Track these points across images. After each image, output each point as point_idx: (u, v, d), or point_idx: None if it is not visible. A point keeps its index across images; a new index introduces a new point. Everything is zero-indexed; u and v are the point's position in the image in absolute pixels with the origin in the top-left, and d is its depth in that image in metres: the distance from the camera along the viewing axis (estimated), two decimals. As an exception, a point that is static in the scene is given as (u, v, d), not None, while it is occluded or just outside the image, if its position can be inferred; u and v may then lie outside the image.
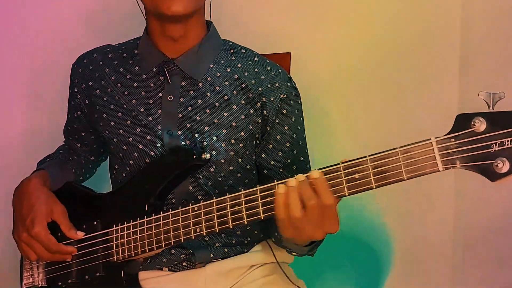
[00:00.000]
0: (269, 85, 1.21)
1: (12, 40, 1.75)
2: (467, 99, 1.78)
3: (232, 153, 1.20)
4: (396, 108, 1.84)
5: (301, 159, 1.26)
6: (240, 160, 1.22)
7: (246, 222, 1.02)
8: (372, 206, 1.87)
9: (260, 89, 1.20)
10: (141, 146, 1.21)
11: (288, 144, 1.23)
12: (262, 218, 1.00)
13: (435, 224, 1.90)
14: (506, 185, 0.86)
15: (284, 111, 1.22)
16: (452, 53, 1.81)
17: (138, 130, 1.21)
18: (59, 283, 1.21)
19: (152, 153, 1.20)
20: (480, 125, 0.85)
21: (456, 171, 1.90)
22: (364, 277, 1.91)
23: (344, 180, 0.94)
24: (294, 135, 1.24)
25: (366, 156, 0.93)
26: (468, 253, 1.88)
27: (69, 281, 1.20)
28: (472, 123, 0.86)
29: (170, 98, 1.21)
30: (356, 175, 0.93)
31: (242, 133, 1.20)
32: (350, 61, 1.83)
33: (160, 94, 1.21)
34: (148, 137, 1.20)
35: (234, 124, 1.20)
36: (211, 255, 1.23)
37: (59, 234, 1.19)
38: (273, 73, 1.22)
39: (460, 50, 1.82)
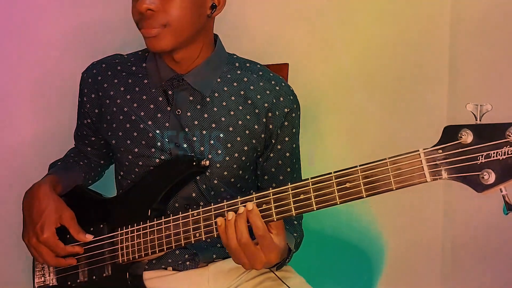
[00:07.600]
0: (274, 99, 1.24)
1: (24, 46, 1.78)
2: (455, 108, 1.80)
3: (234, 165, 1.24)
4: (391, 115, 1.87)
5: (296, 166, 1.32)
6: (240, 172, 1.26)
7: None
8: (364, 211, 1.90)
9: (266, 105, 1.24)
10: (146, 157, 1.24)
11: (288, 154, 1.28)
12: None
13: (425, 227, 1.94)
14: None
15: (286, 123, 1.26)
16: (441, 63, 1.83)
17: (144, 142, 1.25)
18: (69, 283, 1.26)
19: (157, 162, 1.24)
20: (467, 137, 0.86)
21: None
22: (357, 278, 1.95)
23: (335, 189, 0.96)
24: (294, 145, 1.29)
25: (356, 166, 0.95)
26: (457, 254, 1.91)
27: (78, 280, 1.25)
28: (459, 135, 0.87)
29: (178, 112, 1.23)
30: (347, 184, 0.95)
31: (246, 148, 1.24)
32: (346, 71, 1.86)
33: (168, 108, 1.24)
34: (153, 149, 1.24)
35: (238, 139, 1.23)
36: (214, 256, 1.28)
37: (68, 236, 1.23)
38: (277, 88, 1.26)
39: (449, 59, 1.83)
